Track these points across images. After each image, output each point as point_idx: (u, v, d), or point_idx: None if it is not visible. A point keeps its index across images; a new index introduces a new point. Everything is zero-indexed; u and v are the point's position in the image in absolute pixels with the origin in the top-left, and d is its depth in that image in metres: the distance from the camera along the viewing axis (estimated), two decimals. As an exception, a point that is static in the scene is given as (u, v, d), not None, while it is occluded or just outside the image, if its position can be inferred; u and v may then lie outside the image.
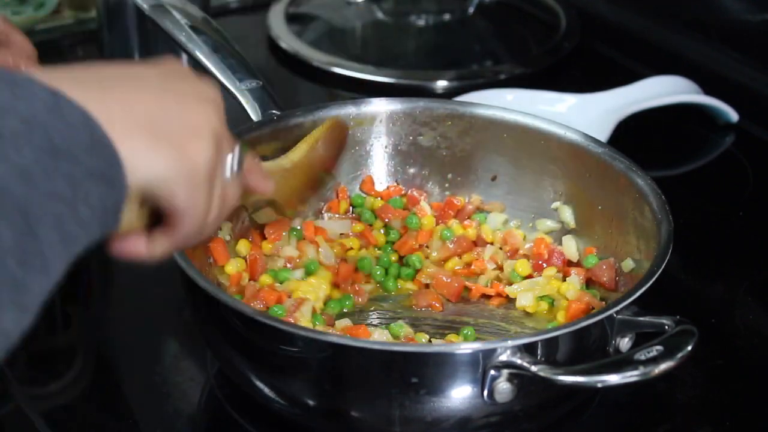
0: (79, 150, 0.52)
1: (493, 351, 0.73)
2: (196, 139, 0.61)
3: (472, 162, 1.01)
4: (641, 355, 0.71)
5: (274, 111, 0.96)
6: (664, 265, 0.80)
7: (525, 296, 0.91)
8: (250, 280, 0.91)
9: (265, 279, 0.90)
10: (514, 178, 1.00)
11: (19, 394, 0.87)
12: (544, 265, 0.93)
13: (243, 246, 0.92)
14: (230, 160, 0.65)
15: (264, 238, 0.94)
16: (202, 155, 0.61)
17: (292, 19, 1.49)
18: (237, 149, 0.66)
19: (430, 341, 0.87)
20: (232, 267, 0.90)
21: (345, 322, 0.88)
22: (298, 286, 0.90)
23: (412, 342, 0.86)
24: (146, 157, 0.57)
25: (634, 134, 1.20)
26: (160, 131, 0.58)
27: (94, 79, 0.58)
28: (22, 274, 0.50)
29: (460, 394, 0.74)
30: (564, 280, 0.92)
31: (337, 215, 0.99)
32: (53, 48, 1.42)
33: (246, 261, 0.91)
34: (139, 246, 0.63)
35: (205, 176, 0.61)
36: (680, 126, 1.27)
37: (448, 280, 0.93)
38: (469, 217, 0.99)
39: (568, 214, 0.97)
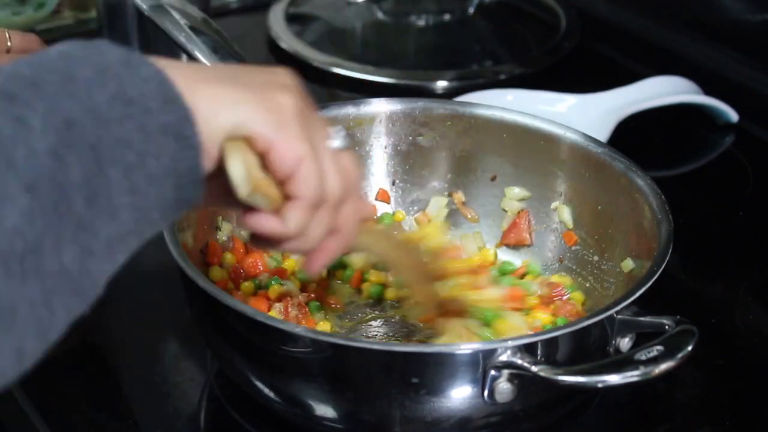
0: (150, 102, 0.53)
1: (493, 351, 0.72)
2: (277, 89, 0.60)
3: (471, 162, 1.01)
4: (641, 355, 0.71)
5: (274, 111, 0.96)
6: (664, 265, 0.80)
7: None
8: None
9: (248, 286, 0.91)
10: (513, 178, 1.00)
11: (20, 394, 0.87)
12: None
13: (228, 258, 0.92)
14: (331, 131, 0.64)
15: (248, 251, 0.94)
16: (284, 98, 0.60)
17: (292, 19, 1.49)
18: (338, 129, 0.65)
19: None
20: (217, 273, 0.90)
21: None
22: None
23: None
24: (224, 102, 0.57)
25: (634, 134, 1.20)
26: (238, 82, 0.59)
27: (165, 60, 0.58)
28: (88, 214, 0.50)
29: (460, 394, 0.74)
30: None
31: None
32: (53, 48, 1.41)
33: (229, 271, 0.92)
34: (269, 220, 0.62)
35: (291, 115, 0.60)
36: (680, 126, 1.27)
37: None
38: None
39: (566, 214, 0.97)
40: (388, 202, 1.02)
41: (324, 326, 0.88)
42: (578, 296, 0.93)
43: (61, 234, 0.49)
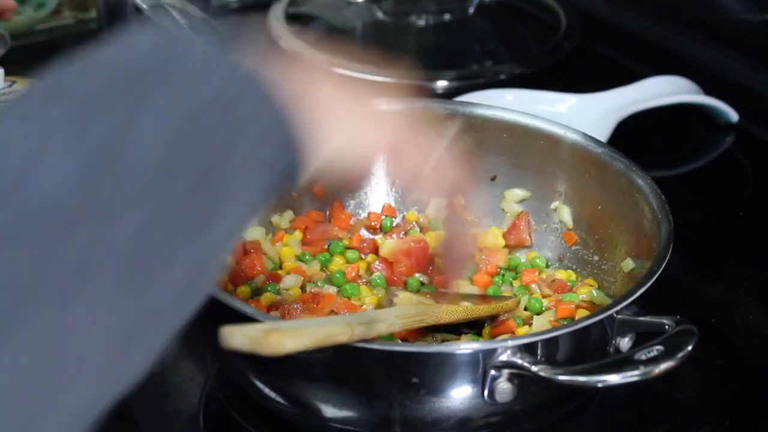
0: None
1: (493, 351, 0.72)
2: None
3: (472, 162, 1.01)
4: (642, 355, 0.71)
5: (273, 111, 0.96)
6: (664, 265, 0.80)
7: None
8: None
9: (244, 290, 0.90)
10: (513, 178, 1.00)
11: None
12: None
13: (228, 260, 0.92)
14: None
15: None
16: None
17: (292, 19, 1.49)
18: None
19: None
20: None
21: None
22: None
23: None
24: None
25: (634, 134, 1.20)
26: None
27: None
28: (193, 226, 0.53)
29: (460, 394, 0.74)
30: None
31: None
32: (53, 48, 1.41)
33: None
34: None
35: None
36: (680, 126, 1.27)
37: None
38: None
39: (566, 214, 0.97)
40: (395, 216, 1.02)
41: None
42: (592, 282, 0.93)
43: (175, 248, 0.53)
